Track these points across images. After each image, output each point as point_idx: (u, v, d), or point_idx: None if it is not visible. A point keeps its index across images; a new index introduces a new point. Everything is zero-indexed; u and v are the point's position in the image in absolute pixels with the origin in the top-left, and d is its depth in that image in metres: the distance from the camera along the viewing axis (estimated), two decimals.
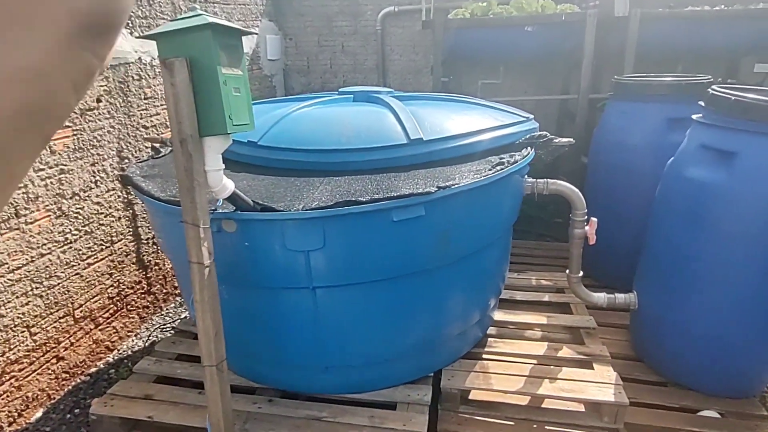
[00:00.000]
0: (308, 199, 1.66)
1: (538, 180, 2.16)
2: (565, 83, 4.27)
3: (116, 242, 2.78)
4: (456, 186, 1.69)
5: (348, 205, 1.57)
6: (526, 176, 2.14)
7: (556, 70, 4.21)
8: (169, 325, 3.05)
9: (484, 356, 2.25)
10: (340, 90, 2.68)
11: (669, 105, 2.66)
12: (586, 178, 3.18)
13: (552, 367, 2.16)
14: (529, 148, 2.15)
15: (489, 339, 2.36)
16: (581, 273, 2.32)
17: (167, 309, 3.23)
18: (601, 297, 2.37)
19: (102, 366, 2.70)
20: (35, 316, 2.30)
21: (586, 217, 2.22)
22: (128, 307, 2.92)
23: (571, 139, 2.23)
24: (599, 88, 3.87)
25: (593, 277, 2.95)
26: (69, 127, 2.41)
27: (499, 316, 2.51)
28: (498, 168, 1.87)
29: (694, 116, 2.13)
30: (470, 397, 2.08)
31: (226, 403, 1.62)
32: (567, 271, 2.35)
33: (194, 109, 1.39)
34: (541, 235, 4.01)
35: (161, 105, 3.08)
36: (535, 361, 2.21)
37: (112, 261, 2.76)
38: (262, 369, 2.09)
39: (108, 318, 2.76)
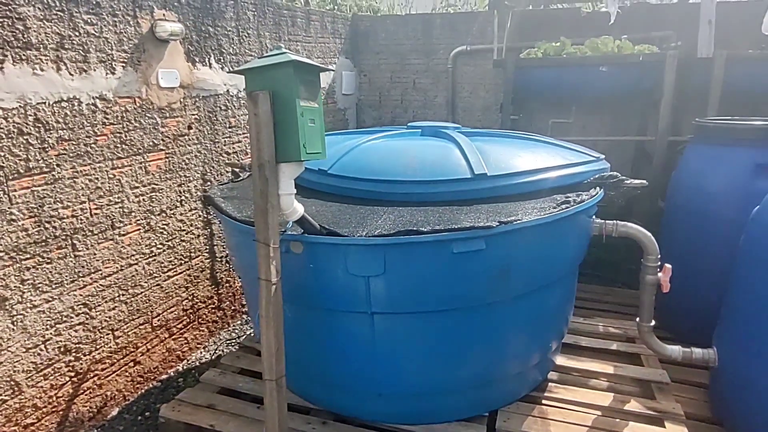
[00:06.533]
0: (371, 227, 1.72)
1: (607, 221, 2.09)
2: (641, 124, 4.12)
3: (194, 258, 3.00)
4: (518, 222, 1.69)
5: (409, 234, 1.62)
6: (594, 217, 2.09)
7: (631, 111, 4.07)
8: (234, 341, 3.20)
9: (544, 401, 2.16)
10: (409, 125, 2.77)
11: (757, 150, 2.49)
12: (662, 222, 3.02)
13: (618, 420, 2.03)
14: (597, 188, 2.11)
15: (549, 384, 2.27)
16: (653, 322, 2.19)
17: (234, 325, 3.40)
18: (675, 350, 2.20)
19: (172, 374, 2.87)
20: (119, 321, 2.52)
21: (659, 262, 2.11)
22: (200, 320, 3.11)
23: (644, 181, 2.15)
24: (678, 130, 3.69)
25: (665, 329, 2.75)
26: (163, 150, 2.68)
27: (561, 360, 2.41)
28: (563, 207, 1.85)
29: None
30: None
31: (283, 420, 1.68)
32: (637, 319, 2.22)
33: (273, 138, 1.52)
34: (611, 280, 3.82)
35: (243, 133, 3.34)
36: (598, 412, 2.09)
37: (189, 275, 2.98)
38: (318, 390, 2.14)
39: (181, 329, 2.96)
